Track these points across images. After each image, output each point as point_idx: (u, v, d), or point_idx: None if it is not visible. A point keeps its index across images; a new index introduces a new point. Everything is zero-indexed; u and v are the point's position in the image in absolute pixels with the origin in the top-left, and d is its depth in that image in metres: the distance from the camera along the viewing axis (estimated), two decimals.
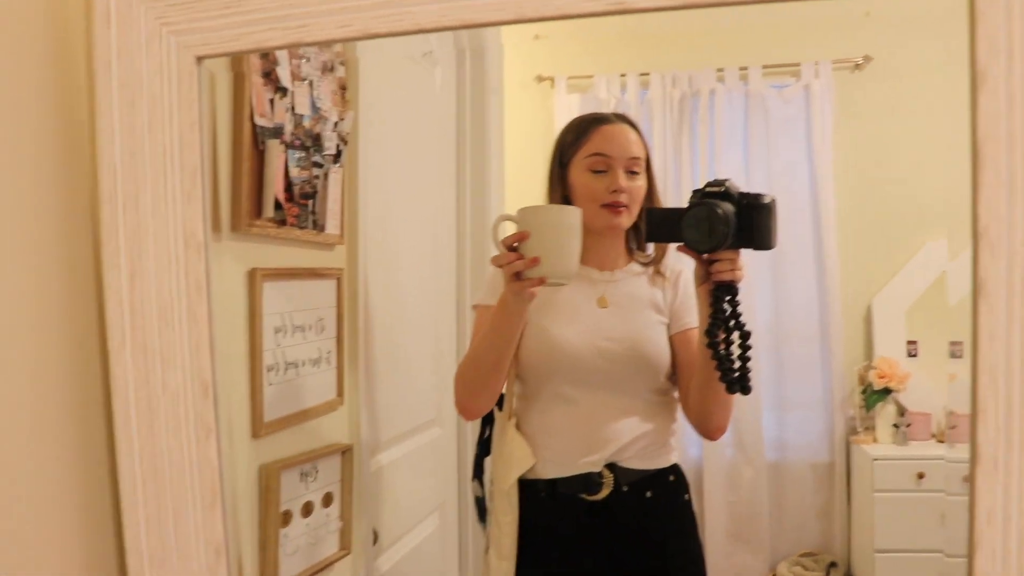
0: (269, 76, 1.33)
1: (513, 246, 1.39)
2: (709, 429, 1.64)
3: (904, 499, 3.06)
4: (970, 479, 0.77)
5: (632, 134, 1.64)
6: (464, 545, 2.65)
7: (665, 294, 1.69)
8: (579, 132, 1.64)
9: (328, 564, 1.62)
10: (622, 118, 1.67)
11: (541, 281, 1.38)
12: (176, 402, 0.94)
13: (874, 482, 3.12)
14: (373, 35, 0.79)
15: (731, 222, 1.36)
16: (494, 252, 1.42)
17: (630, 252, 1.74)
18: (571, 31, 3.62)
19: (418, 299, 2.29)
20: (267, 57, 1.31)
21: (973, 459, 0.77)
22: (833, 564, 3.36)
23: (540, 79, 3.63)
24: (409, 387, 2.19)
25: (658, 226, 1.50)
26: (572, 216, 1.40)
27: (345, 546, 1.68)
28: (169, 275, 0.91)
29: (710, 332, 1.41)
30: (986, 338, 0.75)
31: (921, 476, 3.05)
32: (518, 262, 1.37)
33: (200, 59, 0.87)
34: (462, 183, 2.62)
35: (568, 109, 3.41)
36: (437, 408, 2.38)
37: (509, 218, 1.41)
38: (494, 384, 1.61)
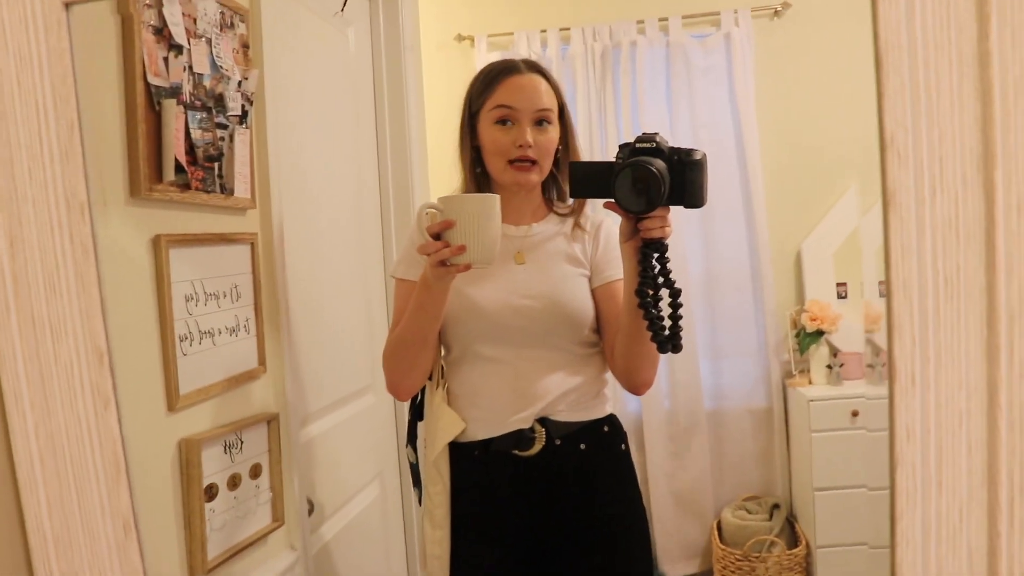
0: (161, 33, 1.27)
1: (438, 235, 1.39)
2: (635, 384, 1.62)
3: (840, 437, 3.10)
4: (889, 396, 0.76)
5: (542, 84, 1.60)
6: (408, 513, 2.63)
7: (585, 246, 1.66)
8: (486, 83, 1.60)
9: (261, 536, 1.58)
10: (532, 67, 1.61)
11: (467, 267, 1.39)
12: (70, 373, 0.89)
13: (811, 423, 3.15)
14: None
15: (666, 181, 1.33)
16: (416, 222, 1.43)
17: (548, 204, 1.71)
18: None
19: (344, 264, 2.25)
20: (155, 9, 1.25)
21: (891, 376, 0.75)
22: (776, 506, 3.41)
23: (460, 38, 3.57)
24: (338, 354, 2.15)
25: (583, 181, 1.45)
26: (493, 204, 1.41)
27: (278, 518, 1.64)
28: (52, 239, 0.86)
29: (640, 292, 1.38)
30: (898, 251, 0.73)
31: (855, 414, 3.09)
32: (445, 250, 1.37)
33: (68, 5, 0.81)
34: (382, 146, 2.56)
35: None
36: (371, 375, 2.34)
37: (432, 207, 1.41)
38: (423, 362, 1.60)
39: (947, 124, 0.72)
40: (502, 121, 1.57)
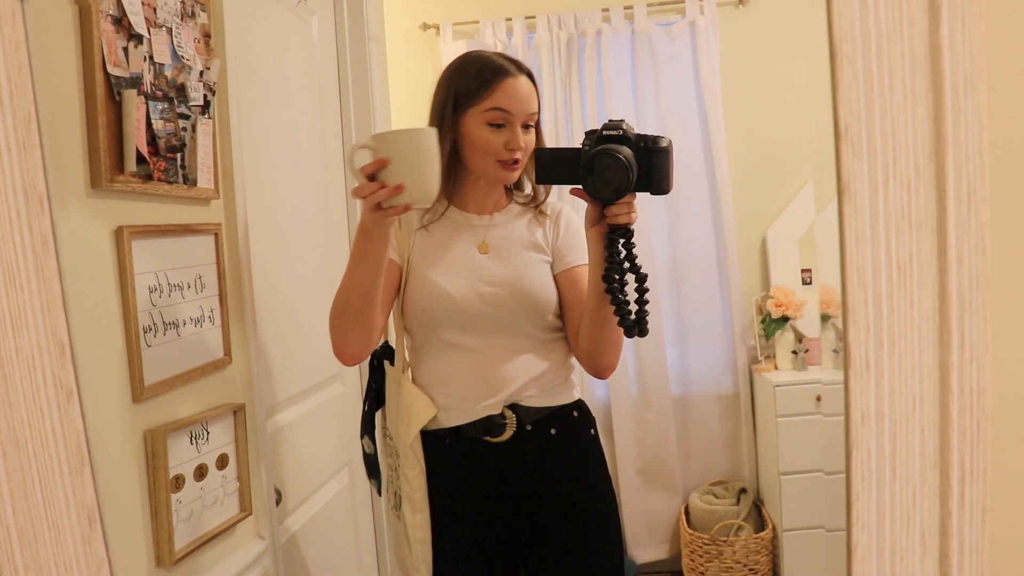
0: (121, 22, 1.26)
1: (373, 176, 1.31)
2: (599, 368, 1.64)
3: (805, 422, 3.14)
4: (844, 381, 0.77)
5: (531, 88, 1.61)
6: (377, 501, 2.63)
7: (547, 233, 1.68)
8: (481, 82, 1.58)
9: (229, 526, 1.58)
10: (522, 69, 1.61)
11: (406, 208, 1.33)
12: (32, 366, 0.88)
13: (776, 408, 3.19)
14: None
15: (633, 168, 1.35)
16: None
17: (509, 193, 1.72)
18: None
19: (309, 253, 2.24)
20: None
21: (846, 361, 0.77)
22: (743, 490, 3.45)
23: (425, 27, 3.57)
24: (304, 343, 2.15)
25: (549, 167, 1.46)
26: (429, 138, 1.32)
27: (245, 507, 1.64)
28: (11, 231, 0.85)
29: (607, 277, 1.40)
30: (852, 239, 0.75)
31: (819, 399, 3.13)
32: (381, 191, 1.29)
33: None
34: (347, 136, 2.56)
35: (455, 56, 3.34)
36: (338, 364, 2.32)
37: (365, 146, 1.32)
38: (366, 320, 1.53)
39: (900, 115, 0.73)
40: (494, 123, 1.57)
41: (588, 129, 1.41)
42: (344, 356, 1.60)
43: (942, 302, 0.75)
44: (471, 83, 1.59)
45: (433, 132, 1.34)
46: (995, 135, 0.73)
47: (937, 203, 0.74)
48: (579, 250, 1.64)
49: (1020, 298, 0.78)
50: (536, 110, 1.61)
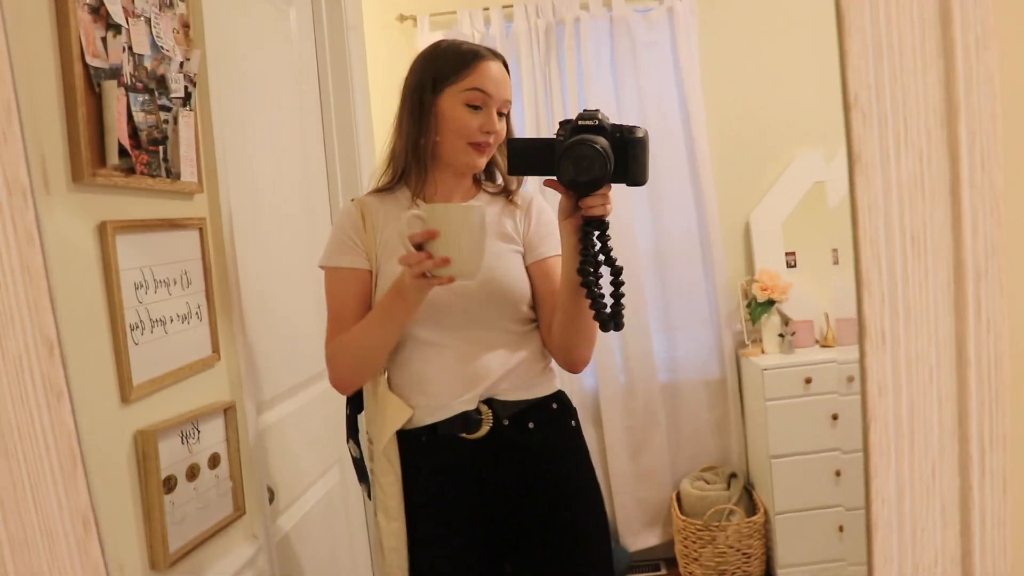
0: (98, 12, 1.23)
1: (420, 245, 1.35)
2: (573, 362, 1.62)
3: (794, 405, 3.14)
4: (860, 354, 0.76)
5: (506, 74, 1.61)
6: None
7: (517, 223, 1.66)
8: (460, 62, 1.57)
9: (223, 526, 1.55)
10: (498, 56, 1.61)
11: (450, 280, 1.36)
12: (19, 367, 0.85)
13: (765, 391, 3.18)
14: None
15: (610, 159, 1.32)
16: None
17: (477, 184, 1.70)
18: None
19: (293, 247, 2.21)
20: None
21: (861, 334, 0.75)
22: (733, 475, 3.44)
23: (402, 18, 3.53)
24: (292, 340, 2.12)
25: (522, 158, 1.43)
26: (479, 215, 1.37)
27: (239, 507, 1.62)
28: None
29: (582, 270, 1.37)
30: (864, 210, 0.73)
31: (808, 381, 3.13)
32: (428, 262, 1.33)
33: None
34: (328, 127, 2.53)
35: None
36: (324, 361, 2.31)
37: (417, 215, 1.36)
38: (379, 364, 1.60)
39: (911, 82, 0.72)
40: (472, 104, 1.55)
41: (563, 119, 1.39)
42: (345, 389, 1.66)
43: (957, 271, 0.73)
44: (450, 64, 1.58)
45: (483, 210, 1.39)
46: (1007, 99, 0.72)
47: (950, 171, 0.72)
48: (552, 241, 1.62)
49: None
50: (510, 98, 1.61)
